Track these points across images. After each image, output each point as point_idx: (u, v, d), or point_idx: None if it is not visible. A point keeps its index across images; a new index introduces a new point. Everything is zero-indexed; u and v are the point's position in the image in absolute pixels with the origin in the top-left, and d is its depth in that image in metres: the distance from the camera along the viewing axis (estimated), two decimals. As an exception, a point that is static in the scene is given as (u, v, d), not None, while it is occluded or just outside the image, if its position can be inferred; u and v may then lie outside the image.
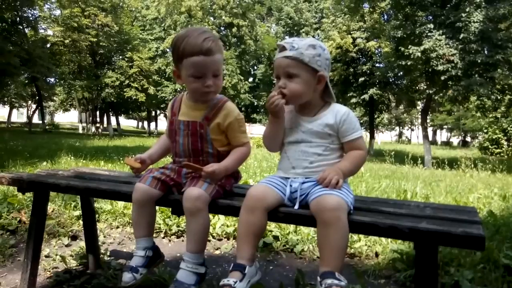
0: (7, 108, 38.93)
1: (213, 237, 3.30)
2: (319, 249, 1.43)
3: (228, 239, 3.30)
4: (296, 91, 1.55)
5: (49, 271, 2.49)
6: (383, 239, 3.02)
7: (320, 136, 1.59)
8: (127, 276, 1.62)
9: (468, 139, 49.80)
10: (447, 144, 51.04)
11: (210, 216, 3.35)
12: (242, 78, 32.73)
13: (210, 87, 1.64)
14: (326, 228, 1.37)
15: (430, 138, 22.06)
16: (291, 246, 3.08)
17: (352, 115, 1.61)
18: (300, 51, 1.53)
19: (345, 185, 1.53)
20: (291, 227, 3.27)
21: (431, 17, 15.68)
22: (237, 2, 32.71)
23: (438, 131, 56.48)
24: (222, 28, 33.87)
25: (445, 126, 51.71)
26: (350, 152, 1.60)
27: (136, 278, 1.63)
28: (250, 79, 39.37)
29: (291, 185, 1.56)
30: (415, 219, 1.43)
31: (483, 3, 14.07)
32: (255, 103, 38.42)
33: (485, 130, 28.20)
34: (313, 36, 36.25)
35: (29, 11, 24.48)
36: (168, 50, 32.85)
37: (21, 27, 24.42)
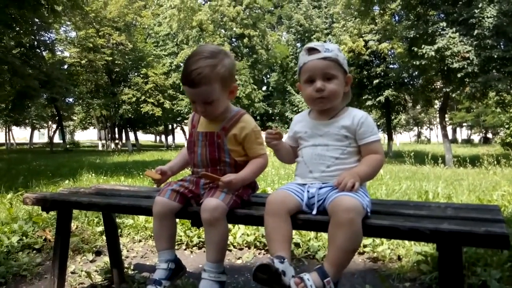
0: (28, 129, 39.99)
1: (234, 246, 3.30)
2: (328, 248, 1.41)
3: (249, 248, 3.30)
4: (336, 92, 1.58)
5: (76, 287, 2.53)
6: (406, 241, 2.97)
7: (337, 139, 1.59)
8: None
9: (490, 135, 48.64)
10: (468, 141, 50.03)
11: (230, 226, 3.38)
12: (255, 87, 32.86)
13: (202, 113, 1.72)
14: (336, 228, 1.36)
15: (450, 137, 21.65)
16: (312, 253, 3.06)
17: (370, 119, 1.61)
18: (336, 53, 1.57)
19: (362, 188, 1.52)
20: (312, 233, 3.25)
21: (443, 16, 15.48)
22: (247, 13, 33.00)
23: (458, 129, 55.41)
24: (234, 40, 34.18)
25: (465, 124, 50.69)
26: (367, 157, 1.59)
27: None
28: (264, 88, 39.47)
29: (308, 191, 1.56)
30: (437, 220, 1.41)
31: (496, -2, 13.84)
32: (270, 111, 38.46)
33: (507, 126, 27.47)
34: (325, 41, 36.25)
35: (46, 34, 25.26)
36: (181, 64, 33.31)
37: (39, 51, 25.16)
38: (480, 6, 13.70)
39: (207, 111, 1.70)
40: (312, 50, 1.58)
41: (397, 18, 20.35)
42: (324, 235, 3.19)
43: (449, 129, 37.45)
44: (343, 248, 1.35)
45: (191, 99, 1.71)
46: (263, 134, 1.73)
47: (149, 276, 2.59)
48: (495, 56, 13.71)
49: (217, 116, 1.75)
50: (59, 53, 28.81)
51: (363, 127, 1.58)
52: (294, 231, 3.18)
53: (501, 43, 14.29)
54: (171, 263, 1.72)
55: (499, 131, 38.57)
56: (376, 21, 21.24)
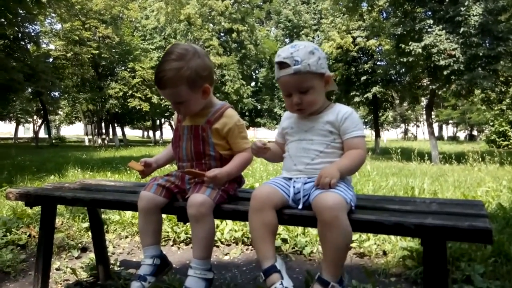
0: (13, 124, 39.30)
1: (222, 242, 3.30)
2: (321, 248, 1.43)
3: (237, 244, 3.29)
4: (313, 102, 1.57)
5: (60, 284, 2.50)
6: (392, 237, 3.00)
7: (321, 134, 1.59)
8: (135, 285, 1.63)
9: (475, 132, 49.42)
10: (454, 139, 50.72)
11: (218, 221, 3.37)
12: (244, 83, 32.79)
13: (177, 111, 1.77)
14: (325, 228, 1.36)
15: (436, 134, 21.95)
16: (300, 248, 3.07)
17: (355, 115, 1.61)
18: (306, 63, 1.51)
19: (344, 182, 1.51)
20: (299, 229, 3.26)
21: (430, 13, 15.62)
22: (236, 8, 32.84)
23: (444, 126, 56.14)
24: (222, 34, 34.01)
25: (451, 121, 51.37)
26: (348, 151, 1.58)
27: (145, 287, 1.64)
28: (253, 83, 39.42)
29: (294, 186, 1.56)
30: (421, 215, 1.42)
31: (482, -4, 14.02)
32: (259, 107, 38.45)
33: (492, 123, 28.02)
34: (313, 37, 36.32)
35: (30, 26, 24.73)
36: (169, 58, 32.98)
37: (23, 43, 24.64)
38: (466, 4, 13.86)
39: (180, 110, 1.75)
40: (282, 65, 1.54)
41: (385, 15, 20.47)
42: (312, 231, 3.21)
43: (435, 126, 37.97)
44: (336, 246, 1.36)
45: (166, 99, 1.76)
46: (250, 134, 1.72)
47: (135, 272, 2.57)
48: (481, 54, 13.90)
49: (196, 112, 1.76)
50: (44, 45, 28.25)
51: (347, 122, 1.57)
52: (281, 227, 3.21)
53: (487, 41, 14.49)
54: (156, 259, 1.71)
55: (484, 128, 39.27)
56: (364, 17, 21.36)
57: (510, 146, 24.57)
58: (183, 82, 1.63)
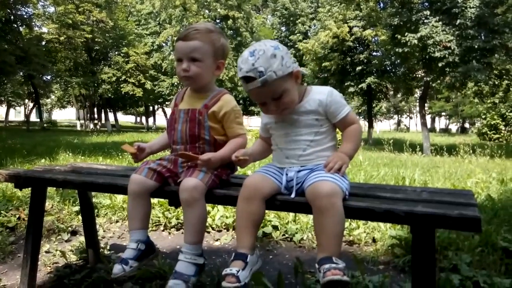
0: (4, 107, 38.83)
1: (213, 228, 3.31)
2: (316, 236, 1.43)
3: (228, 230, 3.31)
4: (290, 103, 1.53)
5: (49, 267, 2.50)
6: (381, 225, 3.03)
7: (307, 124, 1.57)
8: (116, 268, 1.61)
9: (467, 125, 49.82)
10: (446, 131, 51.10)
11: (209, 207, 3.37)
12: (239, 70, 32.61)
13: (185, 72, 1.70)
14: (321, 215, 1.36)
15: (429, 126, 22.08)
16: (290, 235, 3.09)
17: (336, 93, 1.58)
18: (270, 71, 1.43)
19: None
20: (290, 216, 3.28)
21: (427, 4, 15.60)
22: (232, -6, 32.48)
23: (437, 118, 56.48)
24: (218, 21, 33.64)
25: (444, 113, 51.69)
26: (346, 131, 1.59)
27: (126, 270, 1.62)
28: (247, 71, 39.21)
29: (287, 174, 1.56)
30: (411, 203, 1.43)
31: (479, -12, 14.00)
32: (253, 95, 38.30)
33: (483, 116, 28.23)
34: (309, 26, 36.13)
35: (23, 9, 24.31)
36: (163, 44, 32.67)
37: (15, 25, 24.25)
38: (463, -4, 13.85)
39: (191, 70, 1.69)
40: (247, 79, 1.46)
41: (381, 5, 20.37)
42: (302, 218, 3.23)
43: (428, 118, 38.15)
44: (333, 233, 1.36)
45: (178, 57, 1.72)
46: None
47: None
48: (476, 47, 13.94)
49: (198, 85, 1.76)
50: (36, 28, 27.74)
51: (333, 105, 1.55)
52: (272, 214, 3.22)
53: (482, 34, 14.51)
54: (141, 244, 1.69)
55: (476, 121, 39.56)
56: (361, 7, 21.24)
57: (501, 140, 24.80)
58: (210, 44, 1.70)
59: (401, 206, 1.36)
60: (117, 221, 3.57)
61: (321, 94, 1.57)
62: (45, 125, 30.42)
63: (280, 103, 1.51)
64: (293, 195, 1.51)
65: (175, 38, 1.67)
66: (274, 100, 1.50)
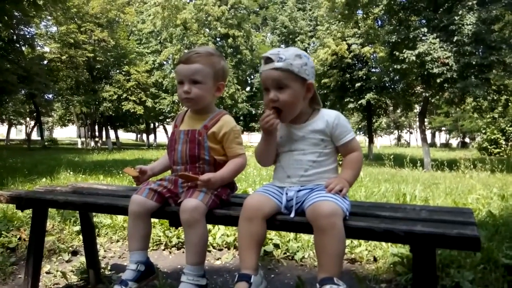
0: (5, 126, 38.96)
1: (214, 247, 3.29)
2: (317, 256, 1.43)
3: (229, 248, 3.29)
4: (288, 102, 1.56)
5: (51, 287, 2.48)
6: (383, 243, 3.02)
7: (313, 143, 1.60)
8: None
9: (467, 140, 49.80)
10: (446, 146, 51.07)
11: (210, 226, 3.37)
12: (239, 87, 32.81)
13: (186, 94, 1.73)
14: (322, 235, 1.37)
15: (429, 141, 22.08)
16: (291, 254, 3.08)
17: (343, 118, 1.63)
18: (289, 62, 1.53)
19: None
20: (291, 234, 3.26)
21: (424, 21, 15.77)
22: (232, 13, 32.91)
23: (437, 133, 56.50)
24: (218, 39, 34.04)
25: (444, 128, 51.73)
26: (347, 158, 1.62)
27: None
28: (248, 88, 39.46)
29: (287, 194, 1.57)
30: (411, 222, 1.44)
31: (475, 6, 14.18)
32: (253, 112, 38.46)
33: (484, 131, 28.25)
34: (308, 44, 36.52)
35: (25, 29, 24.66)
36: (164, 62, 33.00)
37: (18, 45, 24.55)
38: (460, 13, 14.01)
39: (192, 92, 1.73)
40: (267, 60, 1.57)
41: (379, 22, 20.64)
42: (304, 237, 3.22)
43: (428, 133, 38.21)
44: (334, 253, 1.37)
45: (180, 80, 1.76)
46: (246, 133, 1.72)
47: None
48: (473, 63, 14.03)
49: (199, 107, 1.80)
50: (39, 48, 28.16)
51: (338, 129, 1.60)
52: (273, 232, 3.21)
53: (480, 50, 14.64)
54: (140, 265, 1.69)
55: (476, 136, 39.58)
56: (359, 25, 21.52)
57: (501, 154, 24.77)
58: (211, 67, 1.76)
59: (401, 226, 1.37)
60: (118, 241, 3.56)
61: (329, 116, 1.62)
62: (46, 143, 30.49)
63: (280, 95, 1.55)
64: (292, 215, 1.52)
65: (176, 59, 1.67)
66: (276, 89, 1.55)
